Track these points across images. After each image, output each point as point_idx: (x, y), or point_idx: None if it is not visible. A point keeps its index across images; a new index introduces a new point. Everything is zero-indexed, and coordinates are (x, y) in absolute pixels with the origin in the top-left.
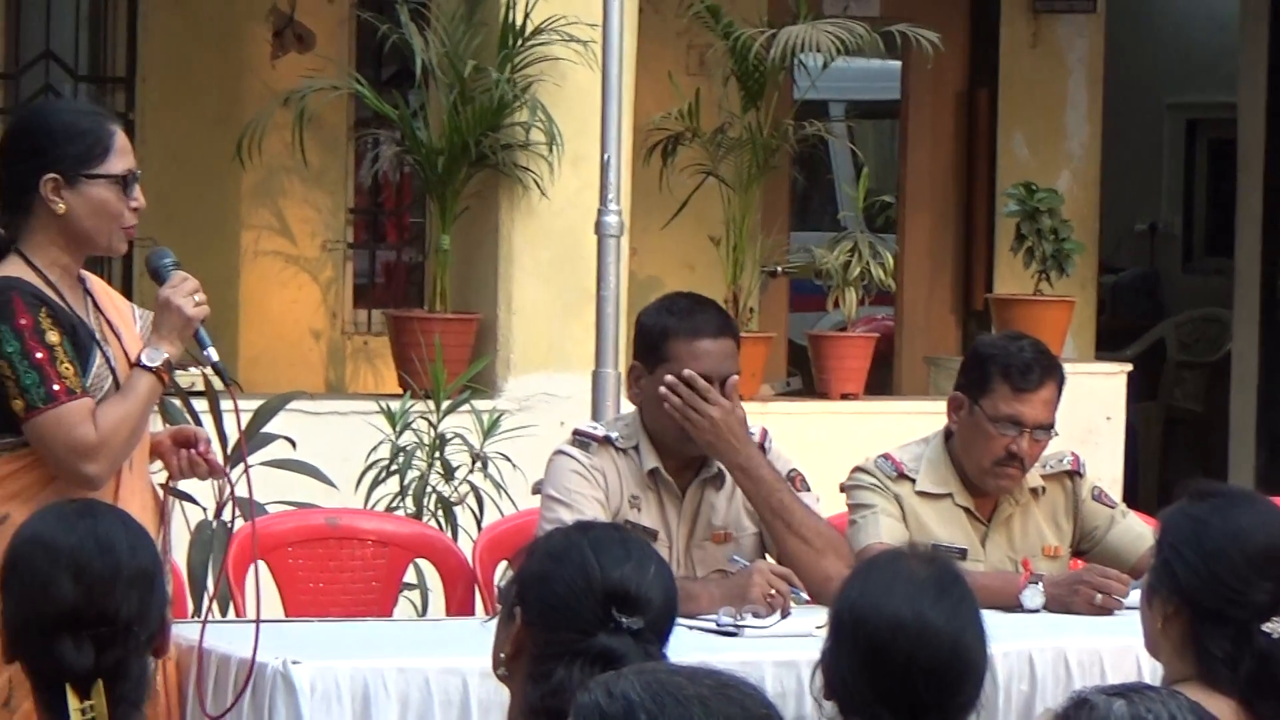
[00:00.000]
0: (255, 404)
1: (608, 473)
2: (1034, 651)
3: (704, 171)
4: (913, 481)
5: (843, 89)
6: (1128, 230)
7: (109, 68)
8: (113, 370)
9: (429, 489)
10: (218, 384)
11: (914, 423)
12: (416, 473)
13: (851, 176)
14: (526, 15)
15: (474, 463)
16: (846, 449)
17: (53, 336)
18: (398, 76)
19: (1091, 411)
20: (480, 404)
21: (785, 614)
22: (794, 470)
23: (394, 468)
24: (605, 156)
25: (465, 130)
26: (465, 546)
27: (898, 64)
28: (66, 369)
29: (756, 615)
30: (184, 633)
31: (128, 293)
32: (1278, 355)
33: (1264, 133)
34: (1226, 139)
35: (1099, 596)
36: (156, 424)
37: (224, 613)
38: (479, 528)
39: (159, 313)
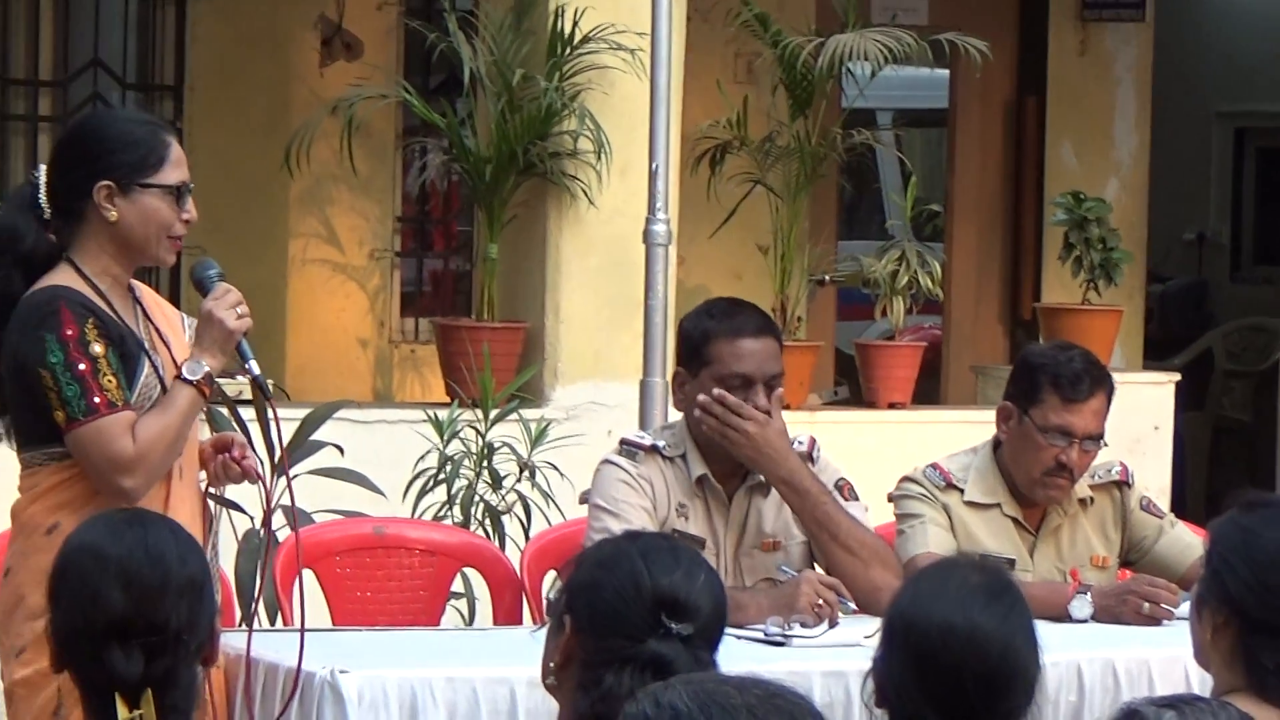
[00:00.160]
0: (303, 412)
1: (654, 481)
2: (1082, 662)
3: (752, 180)
4: (961, 491)
5: (891, 97)
6: (1175, 239)
7: (157, 76)
8: (160, 379)
9: (476, 498)
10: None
11: (961, 432)
12: (464, 482)
13: (899, 185)
14: (575, 24)
15: (521, 472)
16: (894, 458)
17: (97, 348)
18: (445, 85)
19: (1139, 421)
20: (528, 413)
21: (833, 624)
22: (842, 479)
23: (441, 477)
24: (653, 165)
25: (513, 139)
26: (513, 556)
27: (946, 72)
28: (109, 381)
29: (804, 625)
30: (232, 641)
31: (175, 301)
32: None
33: None
34: (1275, 148)
35: (1147, 606)
36: (204, 432)
37: (271, 621)
38: (526, 537)
39: (201, 325)
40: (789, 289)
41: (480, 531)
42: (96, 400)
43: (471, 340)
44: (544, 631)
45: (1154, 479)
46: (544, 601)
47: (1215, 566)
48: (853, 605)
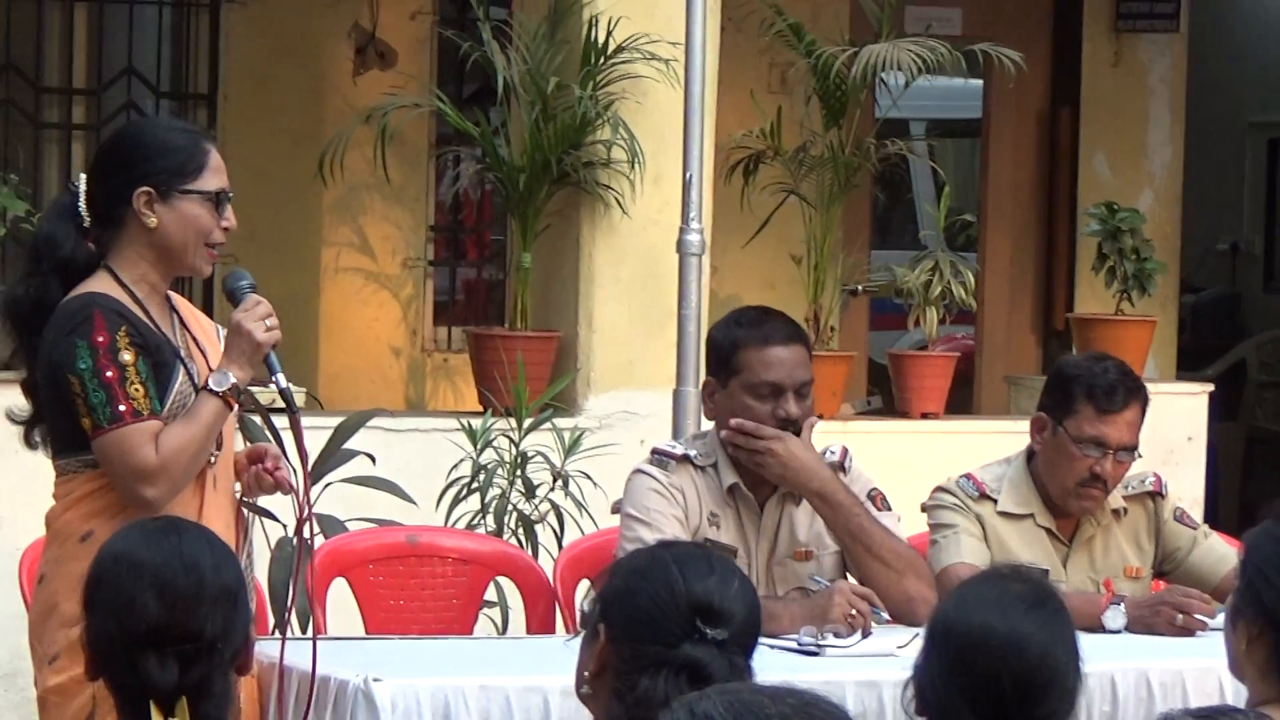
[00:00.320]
0: (335, 421)
1: (686, 491)
2: (1116, 673)
3: (785, 190)
4: (994, 501)
5: (924, 107)
6: (1209, 250)
7: (191, 84)
8: (195, 388)
9: (510, 507)
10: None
11: (994, 442)
12: (497, 490)
13: (932, 195)
14: (609, 33)
15: (555, 481)
16: (927, 468)
17: (127, 356)
18: (479, 94)
19: (1173, 432)
20: (561, 422)
21: (866, 634)
22: (875, 489)
23: (475, 485)
24: (687, 175)
25: (547, 148)
26: (546, 565)
27: (979, 83)
28: (136, 390)
29: (837, 635)
30: (265, 649)
31: (208, 310)
32: None
33: None
34: None
35: (1181, 617)
36: (239, 442)
37: (304, 630)
38: (560, 546)
39: (230, 336)
40: (822, 299)
41: (513, 541)
42: (122, 408)
43: (505, 349)
44: (577, 641)
45: (1187, 490)
46: (577, 611)
47: (1250, 578)
48: (886, 615)
